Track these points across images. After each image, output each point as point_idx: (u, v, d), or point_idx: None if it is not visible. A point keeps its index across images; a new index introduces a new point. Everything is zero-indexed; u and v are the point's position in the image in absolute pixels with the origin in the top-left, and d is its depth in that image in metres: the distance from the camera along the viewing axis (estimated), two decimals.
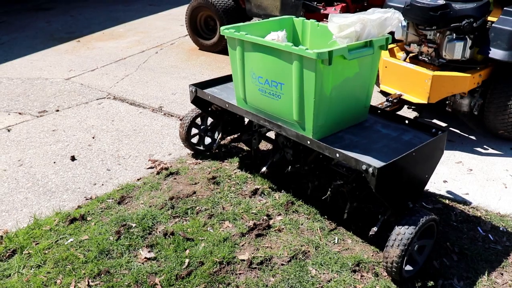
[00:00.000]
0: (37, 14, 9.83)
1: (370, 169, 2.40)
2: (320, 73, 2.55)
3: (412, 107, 4.92)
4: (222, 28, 3.05)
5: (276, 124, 2.95)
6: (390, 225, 2.64)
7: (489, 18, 3.98)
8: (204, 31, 7.07)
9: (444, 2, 3.79)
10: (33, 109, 5.08)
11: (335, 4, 6.15)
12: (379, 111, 3.20)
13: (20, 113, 4.97)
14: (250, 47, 2.92)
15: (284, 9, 5.98)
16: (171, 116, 4.89)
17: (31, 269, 2.75)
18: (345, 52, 2.58)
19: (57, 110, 5.04)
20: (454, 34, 3.90)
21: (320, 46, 3.06)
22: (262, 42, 2.81)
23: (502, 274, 2.72)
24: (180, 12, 9.33)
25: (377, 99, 5.02)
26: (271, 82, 2.85)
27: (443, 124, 4.61)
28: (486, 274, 2.71)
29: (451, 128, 4.52)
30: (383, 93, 4.88)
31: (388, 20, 2.81)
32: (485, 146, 4.19)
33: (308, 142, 2.76)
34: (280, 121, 2.93)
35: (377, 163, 2.48)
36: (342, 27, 2.76)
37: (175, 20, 9.19)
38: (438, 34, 3.97)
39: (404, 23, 4.15)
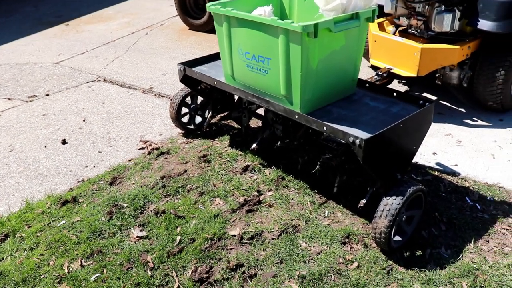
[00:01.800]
0: None
1: (357, 141, 2.41)
2: (306, 46, 2.54)
3: (403, 80, 4.91)
4: (208, 4, 3.03)
5: (264, 100, 2.95)
6: (379, 197, 2.66)
7: None
8: (193, 11, 7.01)
9: None
10: (22, 94, 5.05)
11: None
12: (367, 85, 3.20)
13: (9, 99, 4.94)
14: (236, 22, 2.90)
15: None
16: (162, 96, 4.87)
17: (24, 252, 2.76)
18: (331, 25, 2.57)
19: (47, 95, 5.01)
20: (443, 6, 3.89)
21: (307, 20, 3.03)
22: (248, 17, 2.79)
23: (488, 241, 2.76)
24: None
25: (367, 74, 5.01)
26: (258, 57, 2.83)
27: (433, 97, 4.61)
28: (472, 242, 2.75)
29: (441, 101, 4.53)
30: (374, 67, 4.87)
31: None
32: (474, 118, 4.20)
33: (296, 117, 2.77)
34: (268, 97, 2.92)
35: (364, 135, 2.49)
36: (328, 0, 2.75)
37: (165, 0, 9.07)
38: (426, 6, 3.95)
39: None
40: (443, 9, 3.88)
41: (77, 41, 6.80)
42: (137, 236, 2.83)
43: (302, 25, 2.44)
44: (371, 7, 2.80)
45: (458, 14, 3.88)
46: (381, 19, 4.57)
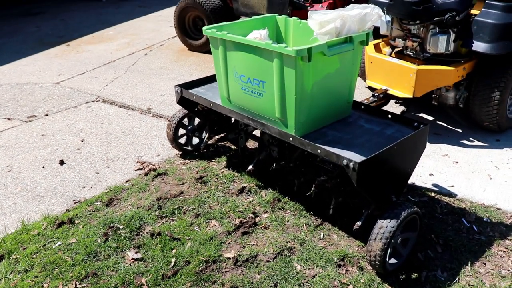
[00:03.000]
0: (26, 19, 9.82)
1: (351, 164, 2.42)
2: (300, 70, 2.57)
3: (400, 101, 4.94)
4: (204, 28, 3.07)
5: (259, 122, 2.97)
6: (374, 220, 2.66)
7: (472, 11, 4.00)
8: (192, 32, 7.08)
9: None
10: (22, 114, 5.08)
11: (323, 1, 6.18)
12: (362, 107, 3.22)
13: (9, 119, 4.97)
14: (232, 46, 2.93)
15: (271, 7, 5.99)
16: (160, 117, 4.90)
17: (18, 274, 2.75)
18: (325, 49, 2.60)
19: (46, 115, 5.04)
20: (438, 28, 3.93)
21: (302, 43, 3.07)
22: (242, 40, 2.82)
23: (485, 264, 2.75)
24: (170, 13, 9.31)
25: (365, 94, 5.04)
26: (253, 80, 2.86)
27: (430, 118, 4.64)
28: (469, 265, 2.74)
29: (437, 121, 4.55)
30: (371, 88, 4.90)
31: (368, 15, 2.83)
32: (471, 138, 4.22)
33: (291, 139, 2.78)
34: (263, 119, 2.95)
35: (358, 158, 2.50)
36: (322, 23, 2.78)
37: (165, 21, 9.19)
38: (421, 28, 4.00)
39: (389, 18, 4.17)
40: (437, 31, 3.93)
41: (78, 62, 6.87)
42: (132, 258, 2.83)
43: (296, 49, 2.47)
44: (365, 31, 2.84)
45: (452, 36, 3.93)
46: (377, 41, 4.62)
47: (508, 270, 2.71)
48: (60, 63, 6.82)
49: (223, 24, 3.14)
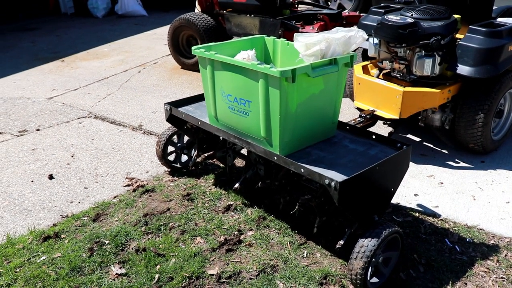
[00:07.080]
0: (22, 34, 9.90)
1: (333, 183, 2.46)
2: (285, 91, 2.62)
3: (388, 122, 5.00)
4: (193, 47, 3.13)
5: (245, 141, 3.02)
6: (357, 238, 2.69)
7: (457, 36, 4.10)
8: (186, 50, 7.16)
9: (413, 20, 3.91)
10: (13, 128, 5.11)
11: (314, 23, 6.28)
12: (347, 127, 3.27)
13: (0, 133, 5.00)
14: (220, 66, 2.99)
15: (263, 28, 6.09)
16: (151, 134, 4.94)
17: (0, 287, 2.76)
18: (309, 70, 2.66)
19: (38, 129, 5.08)
20: (423, 51, 4.01)
21: (289, 64, 3.13)
22: (230, 61, 2.88)
23: (466, 284, 2.78)
24: (165, 32, 9.40)
25: (353, 115, 5.11)
26: (240, 99, 2.92)
27: (417, 139, 4.70)
28: (450, 285, 2.76)
29: (424, 143, 4.61)
30: (358, 109, 4.97)
31: (352, 38, 2.91)
32: (456, 160, 4.27)
33: (275, 158, 2.83)
34: (249, 138, 2.99)
35: (340, 177, 2.54)
36: (308, 45, 2.85)
37: (159, 39, 9.29)
38: (408, 51, 4.08)
39: (376, 41, 4.26)
40: (423, 54, 4.01)
41: (71, 77, 6.92)
42: (117, 273, 2.84)
43: (281, 70, 2.53)
44: (350, 53, 2.91)
45: (438, 59, 4.01)
46: (365, 62, 4.70)
47: None
48: (54, 79, 6.87)
49: (212, 44, 3.21)
